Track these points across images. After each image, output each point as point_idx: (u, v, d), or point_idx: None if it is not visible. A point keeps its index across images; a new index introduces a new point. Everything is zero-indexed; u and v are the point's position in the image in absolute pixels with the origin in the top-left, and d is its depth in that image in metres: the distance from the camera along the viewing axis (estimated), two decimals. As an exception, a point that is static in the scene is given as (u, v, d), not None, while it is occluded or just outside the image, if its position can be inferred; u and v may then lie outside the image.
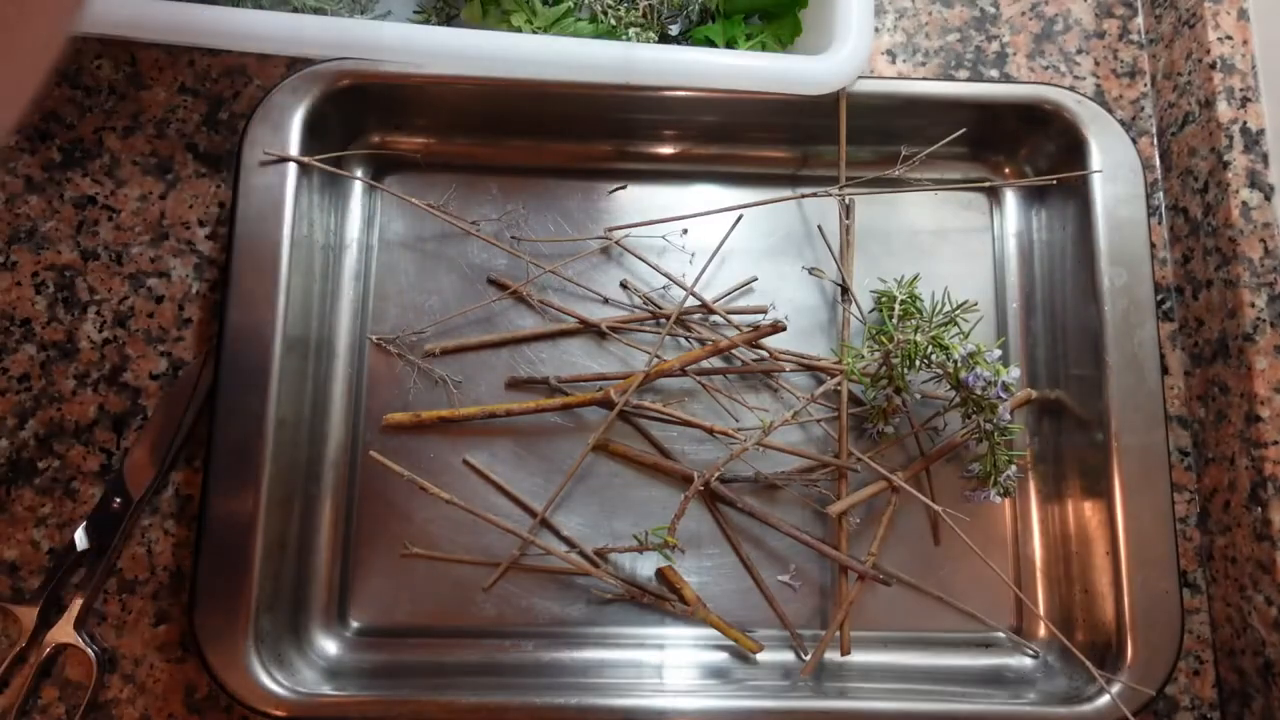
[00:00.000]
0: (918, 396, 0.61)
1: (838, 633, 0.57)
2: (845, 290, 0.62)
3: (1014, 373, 0.54)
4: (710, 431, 0.58)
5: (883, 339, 0.57)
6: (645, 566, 0.59)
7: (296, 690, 0.52)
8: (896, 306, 0.58)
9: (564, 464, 0.60)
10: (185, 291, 0.61)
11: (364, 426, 0.60)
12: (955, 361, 0.54)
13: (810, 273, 0.63)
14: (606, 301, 0.63)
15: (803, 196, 0.63)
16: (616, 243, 0.63)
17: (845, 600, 0.57)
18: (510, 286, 0.62)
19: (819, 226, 0.64)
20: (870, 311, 0.62)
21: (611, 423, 0.59)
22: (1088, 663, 0.53)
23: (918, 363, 0.55)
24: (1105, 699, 0.53)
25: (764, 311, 0.62)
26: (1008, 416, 0.56)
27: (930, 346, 0.55)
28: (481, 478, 0.60)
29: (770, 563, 0.60)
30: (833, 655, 0.58)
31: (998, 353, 0.55)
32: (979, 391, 0.54)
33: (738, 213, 0.62)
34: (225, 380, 0.55)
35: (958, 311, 0.57)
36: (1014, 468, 0.57)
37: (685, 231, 0.64)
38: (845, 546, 0.58)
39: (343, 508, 0.59)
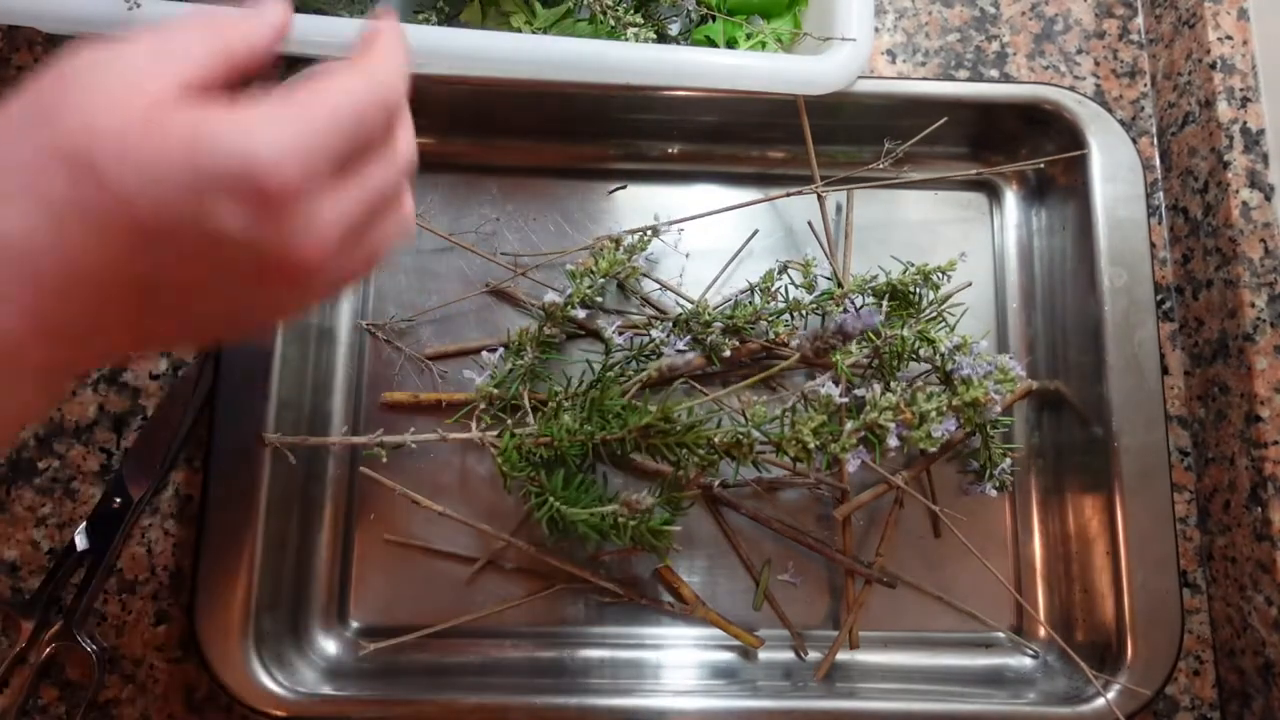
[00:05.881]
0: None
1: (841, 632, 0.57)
2: (840, 286, 0.62)
3: (1010, 360, 0.53)
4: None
5: (870, 335, 0.57)
6: (646, 567, 0.59)
7: (296, 690, 0.52)
8: (885, 302, 0.58)
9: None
10: (185, 292, 0.61)
11: (364, 426, 0.60)
12: (941, 355, 0.54)
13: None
14: (604, 304, 0.63)
15: (789, 195, 0.62)
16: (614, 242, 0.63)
17: (855, 604, 0.57)
18: (508, 291, 0.62)
19: (809, 222, 0.64)
20: (860, 308, 0.62)
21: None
22: (1085, 666, 0.53)
23: (906, 357, 0.55)
24: (1106, 698, 0.53)
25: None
26: (996, 410, 0.55)
27: (917, 340, 0.55)
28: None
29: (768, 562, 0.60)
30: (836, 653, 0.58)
31: (984, 344, 0.55)
32: (977, 377, 0.54)
33: (754, 228, 0.63)
34: (225, 380, 0.55)
35: (943, 306, 0.57)
36: (1008, 461, 0.57)
37: (681, 230, 0.63)
38: (850, 548, 0.59)
39: (343, 507, 0.59)
